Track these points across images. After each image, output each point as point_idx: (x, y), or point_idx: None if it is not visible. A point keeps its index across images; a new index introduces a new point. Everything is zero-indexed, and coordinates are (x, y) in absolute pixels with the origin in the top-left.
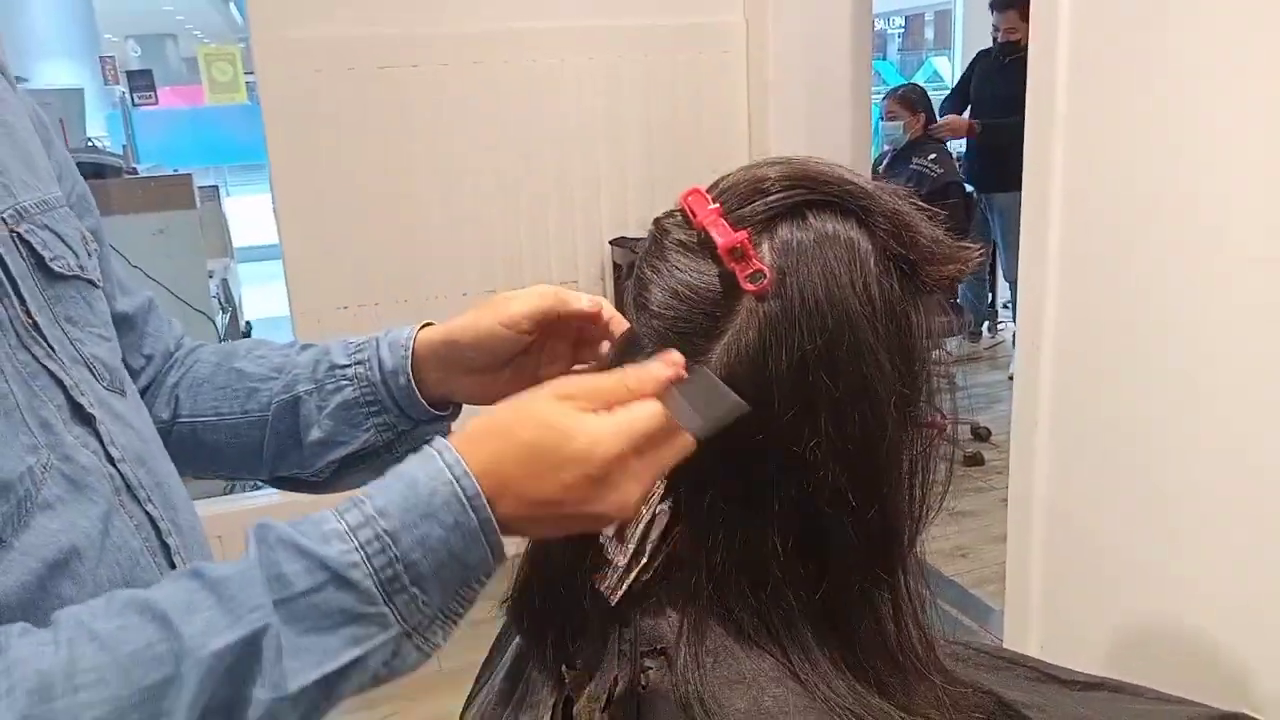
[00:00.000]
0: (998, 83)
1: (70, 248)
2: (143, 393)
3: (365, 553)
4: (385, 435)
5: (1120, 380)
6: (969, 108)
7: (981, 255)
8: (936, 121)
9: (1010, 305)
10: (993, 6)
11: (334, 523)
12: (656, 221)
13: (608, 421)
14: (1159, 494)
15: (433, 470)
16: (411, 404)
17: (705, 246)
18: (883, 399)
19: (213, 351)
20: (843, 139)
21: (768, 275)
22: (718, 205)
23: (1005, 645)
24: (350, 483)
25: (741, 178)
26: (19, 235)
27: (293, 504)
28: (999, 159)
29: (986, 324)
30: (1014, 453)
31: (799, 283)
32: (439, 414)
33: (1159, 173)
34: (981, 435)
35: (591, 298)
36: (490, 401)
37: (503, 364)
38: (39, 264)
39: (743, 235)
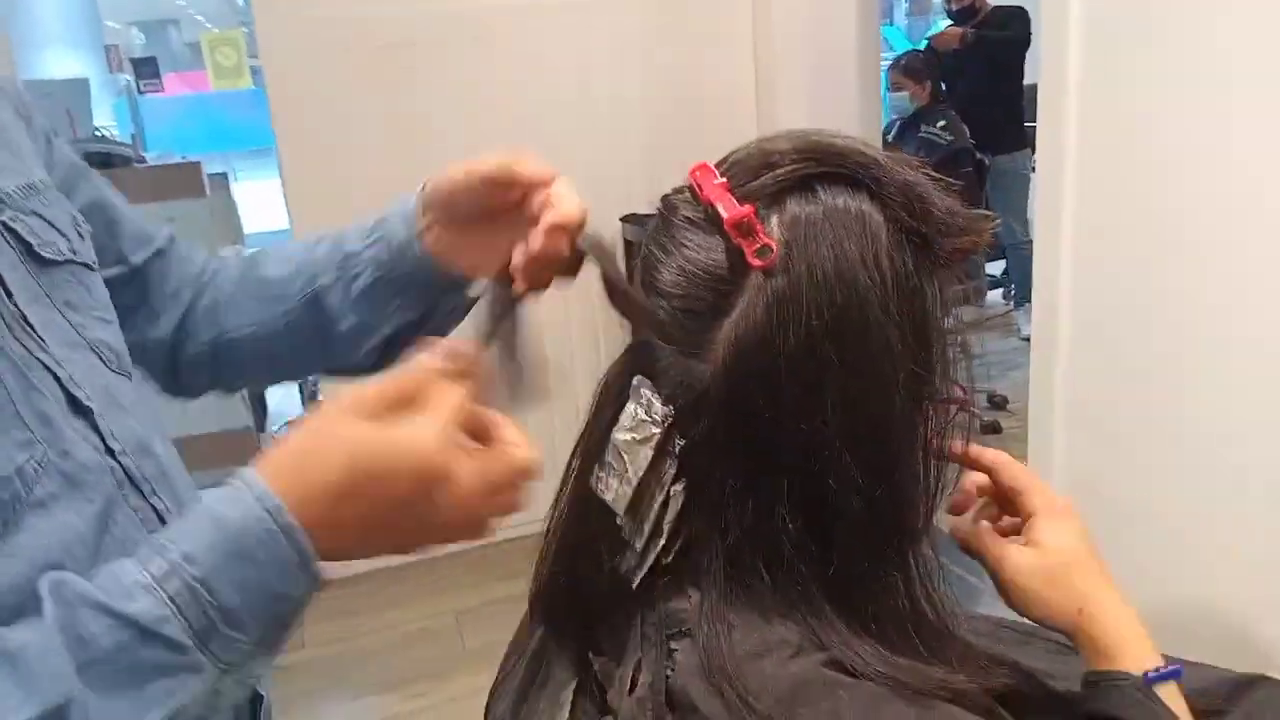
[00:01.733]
0: (971, 56)
1: (61, 232)
2: (179, 326)
3: (176, 605)
4: (411, 313)
5: (1138, 346)
6: (945, 86)
7: (997, 226)
8: (942, 88)
9: (1008, 272)
10: None
11: (136, 574)
12: (664, 199)
13: (422, 425)
14: (1182, 461)
15: (241, 507)
16: (426, 276)
17: (713, 222)
18: (891, 377)
19: (235, 265)
20: (851, 107)
21: (774, 250)
22: (725, 180)
23: None
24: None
25: (751, 151)
26: (3, 224)
27: None
28: (991, 121)
29: (1002, 291)
30: (1032, 421)
31: (807, 257)
32: (456, 282)
33: (1175, 134)
34: (998, 403)
35: (547, 169)
36: (462, 262)
37: (473, 219)
38: (28, 251)
39: (748, 209)
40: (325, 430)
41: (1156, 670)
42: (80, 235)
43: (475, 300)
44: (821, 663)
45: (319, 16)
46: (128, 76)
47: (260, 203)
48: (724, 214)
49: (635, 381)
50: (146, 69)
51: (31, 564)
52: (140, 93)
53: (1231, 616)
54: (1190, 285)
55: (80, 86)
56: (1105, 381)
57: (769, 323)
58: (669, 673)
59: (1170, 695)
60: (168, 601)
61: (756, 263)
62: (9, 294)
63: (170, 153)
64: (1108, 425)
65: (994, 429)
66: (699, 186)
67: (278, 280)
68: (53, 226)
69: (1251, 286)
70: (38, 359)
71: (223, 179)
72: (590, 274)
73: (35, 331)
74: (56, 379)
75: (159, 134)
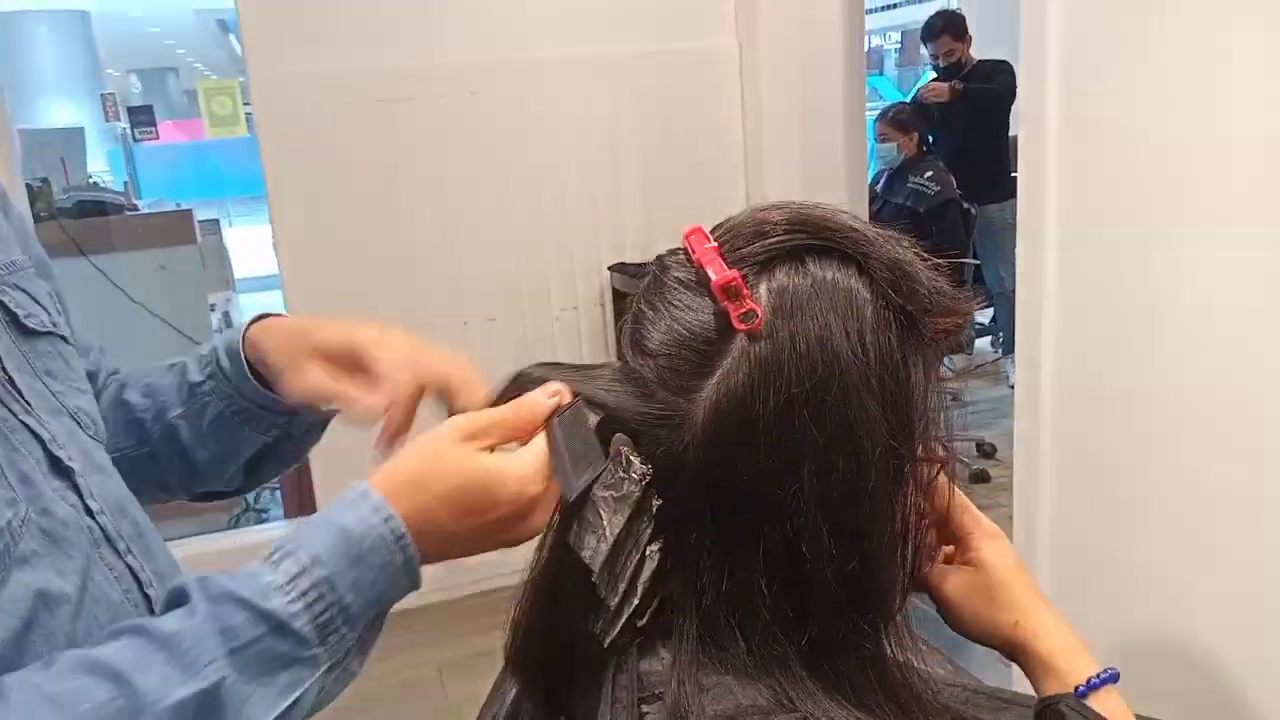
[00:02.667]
0: (958, 107)
1: (42, 306)
2: None
3: (305, 601)
4: (271, 433)
5: (1122, 393)
6: (932, 137)
7: (982, 305)
8: (929, 140)
9: (996, 320)
10: (924, 38)
11: (269, 575)
12: (659, 258)
13: (527, 463)
14: (1166, 509)
15: (361, 515)
16: (269, 405)
17: (702, 284)
18: (868, 451)
19: (116, 382)
20: (838, 159)
21: (760, 315)
22: (716, 245)
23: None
24: (265, 477)
25: (745, 219)
26: None
27: None
28: (978, 171)
29: (990, 339)
30: (1017, 470)
31: (791, 326)
32: (304, 407)
33: (1154, 183)
34: (987, 452)
35: (403, 387)
36: (309, 394)
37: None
38: (13, 321)
39: (736, 274)
40: (440, 453)
41: (1099, 676)
42: (59, 310)
43: (333, 414)
44: None
45: (312, 71)
46: (123, 124)
47: (253, 248)
48: (712, 276)
49: (615, 439)
50: (142, 117)
51: (18, 618)
52: (136, 140)
53: (1217, 666)
54: (1175, 333)
55: (75, 135)
56: (1090, 430)
57: (750, 387)
58: None
59: (1111, 700)
60: (299, 598)
61: (741, 326)
62: None
63: (163, 200)
64: (1093, 475)
65: (983, 478)
66: (691, 249)
67: (138, 407)
68: (35, 301)
69: (1237, 329)
70: (22, 421)
71: (214, 225)
72: (588, 295)
73: (21, 395)
74: (39, 440)
75: (154, 181)
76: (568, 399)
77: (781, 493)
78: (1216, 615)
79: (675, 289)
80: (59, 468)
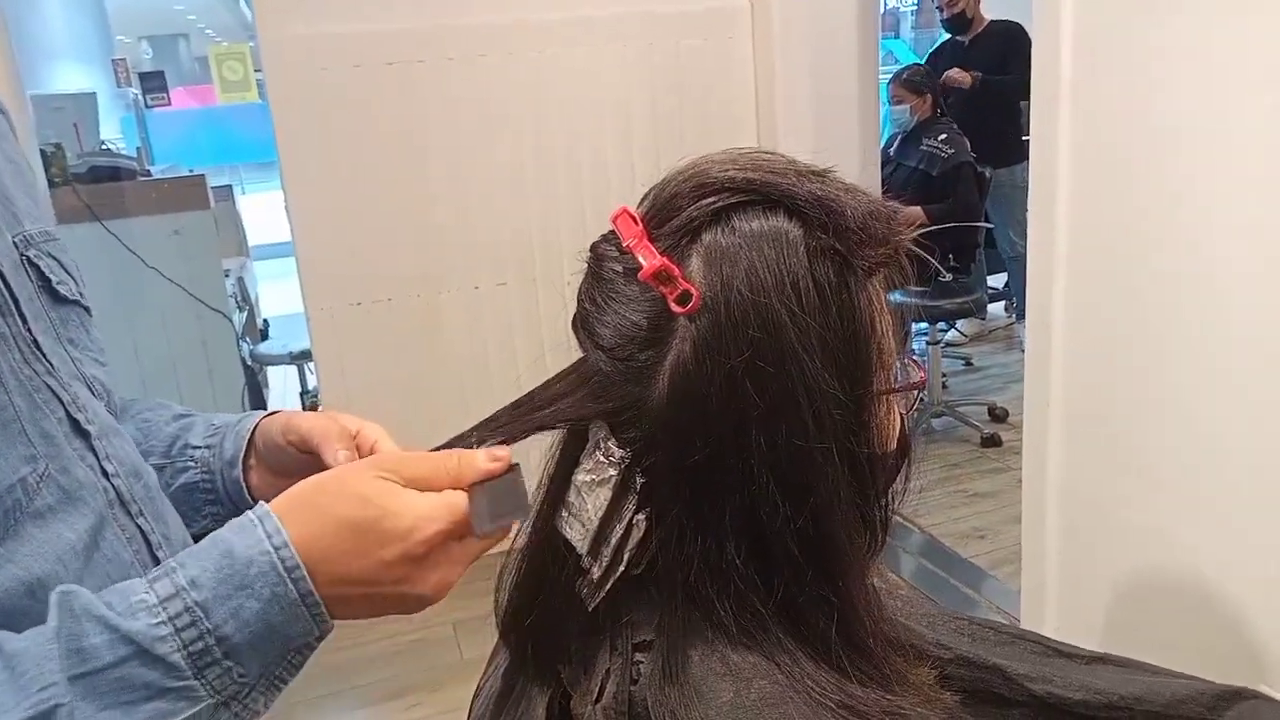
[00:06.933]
0: (966, 65)
1: (71, 275)
2: None
3: (175, 625)
4: (221, 524)
5: (1132, 357)
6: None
7: (914, 233)
8: (943, 102)
9: (1010, 285)
10: None
11: (142, 593)
12: (593, 248)
13: (433, 500)
14: (1174, 472)
15: (251, 540)
16: (240, 498)
17: (637, 272)
18: (807, 408)
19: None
20: (851, 122)
21: (695, 294)
22: (643, 226)
23: (1023, 626)
24: None
25: (668, 189)
26: (28, 259)
27: None
28: (989, 134)
29: (1004, 304)
30: (1027, 433)
31: (725, 294)
32: None
33: (1166, 147)
34: (999, 416)
35: (345, 454)
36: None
37: (295, 475)
38: (46, 287)
39: (663, 261)
40: (346, 476)
41: None
42: (83, 283)
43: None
44: (780, 694)
45: (323, 33)
46: (135, 90)
47: (267, 215)
48: (643, 263)
49: (593, 424)
50: (153, 83)
51: (27, 570)
52: (148, 106)
53: (1224, 627)
54: (1185, 297)
55: (87, 100)
56: (1100, 395)
57: (698, 363)
58: (633, 686)
59: None
60: (167, 622)
61: (678, 310)
62: (24, 320)
63: (177, 165)
64: (1102, 438)
65: (994, 442)
66: (621, 234)
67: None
68: (65, 270)
69: (1249, 295)
70: (45, 382)
71: (228, 192)
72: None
73: (45, 357)
74: (60, 402)
75: (166, 147)
76: (503, 468)
77: (737, 462)
78: (1228, 578)
79: (613, 281)
80: (78, 429)
